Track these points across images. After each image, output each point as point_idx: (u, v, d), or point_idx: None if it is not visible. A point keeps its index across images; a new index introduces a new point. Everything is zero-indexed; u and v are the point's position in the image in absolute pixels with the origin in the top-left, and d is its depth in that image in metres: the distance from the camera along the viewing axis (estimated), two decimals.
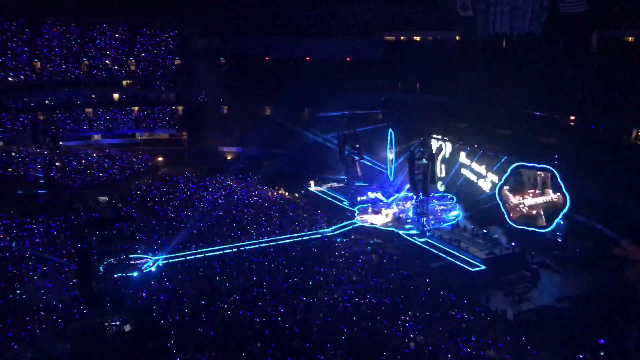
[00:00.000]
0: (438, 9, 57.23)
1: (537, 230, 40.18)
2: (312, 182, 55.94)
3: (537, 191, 39.74)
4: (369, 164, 55.84)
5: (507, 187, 41.18)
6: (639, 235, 35.64)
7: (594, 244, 38.77)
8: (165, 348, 26.99)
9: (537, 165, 39.77)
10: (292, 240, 41.74)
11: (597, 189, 38.93)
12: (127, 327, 29.21)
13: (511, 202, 41.12)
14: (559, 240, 40.02)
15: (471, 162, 46.98)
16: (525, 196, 40.41)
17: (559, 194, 38.36)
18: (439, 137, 50.48)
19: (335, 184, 55.91)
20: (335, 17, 64.58)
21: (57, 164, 59.48)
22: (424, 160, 43.41)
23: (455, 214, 46.54)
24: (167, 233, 42.47)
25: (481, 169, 45.78)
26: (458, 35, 58.06)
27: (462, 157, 48.27)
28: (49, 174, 57.17)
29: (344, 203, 50.66)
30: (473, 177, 46.97)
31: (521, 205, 40.65)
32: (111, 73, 73.72)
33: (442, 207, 47.58)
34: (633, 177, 38.38)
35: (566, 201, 38.13)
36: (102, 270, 34.83)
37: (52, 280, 34.49)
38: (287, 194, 55.58)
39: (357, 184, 52.62)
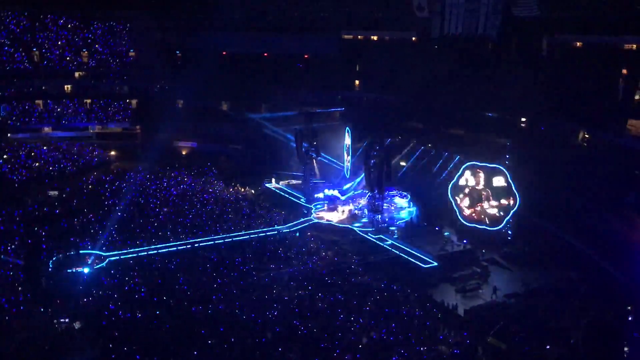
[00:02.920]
0: (396, 9, 57.79)
1: (487, 228, 41.37)
2: (273, 179, 55.78)
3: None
4: (326, 161, 56.09)
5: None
6: (582, 232, 37.17)
7: (541, 242, 40.15)
8: (117, 345, 26.49)
9: (488, 165, 40.90)
10: (248, 237, 41.59)
11: (546, 188, 40.25)
12: (77, 325, 28.61)
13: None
14: (509, 238, 41.25)
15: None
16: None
17: (507, 200, 39.95)
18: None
19: (293, 181, 55.87)
20: (293, 13, 64.41)
21: (4, 156, 57.32)
22: (379, 159, 44.00)
23: (410, 210, 47.29)
24: (118, 229, 41.57)
25: None
26: (414, 35, 58.83)
27: None
28: None
29: (301, 200, 50.75)
30: None
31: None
32: (63, 64, 71.55)
33: (396, 204, 48.26)
34: (579, 177, 39.86)
35: (516, 201, 39.38)
36: (51, 266, 34.12)
37: None
38: (243, 190, 55.18)
39: (314, 181, 52.81)
